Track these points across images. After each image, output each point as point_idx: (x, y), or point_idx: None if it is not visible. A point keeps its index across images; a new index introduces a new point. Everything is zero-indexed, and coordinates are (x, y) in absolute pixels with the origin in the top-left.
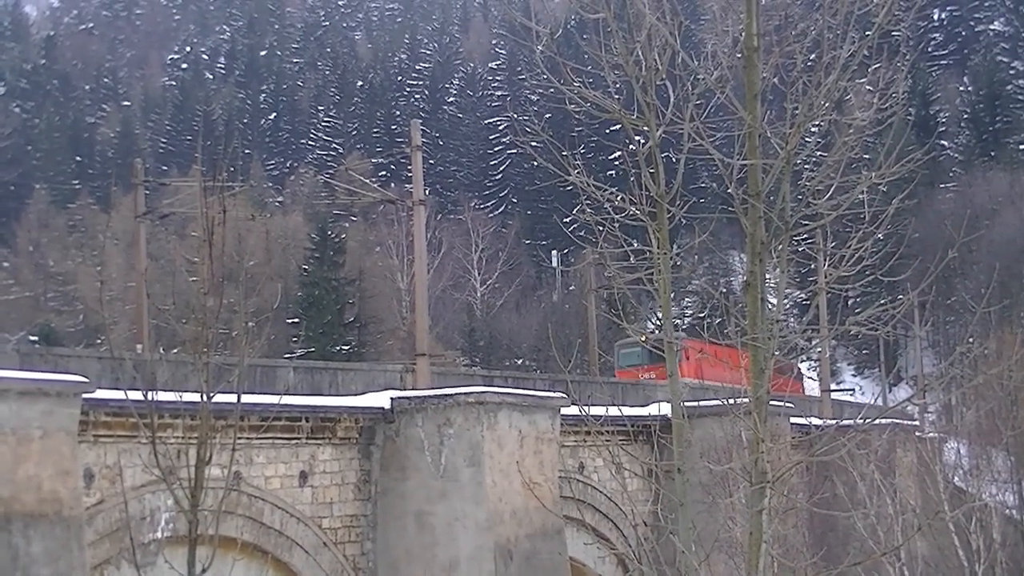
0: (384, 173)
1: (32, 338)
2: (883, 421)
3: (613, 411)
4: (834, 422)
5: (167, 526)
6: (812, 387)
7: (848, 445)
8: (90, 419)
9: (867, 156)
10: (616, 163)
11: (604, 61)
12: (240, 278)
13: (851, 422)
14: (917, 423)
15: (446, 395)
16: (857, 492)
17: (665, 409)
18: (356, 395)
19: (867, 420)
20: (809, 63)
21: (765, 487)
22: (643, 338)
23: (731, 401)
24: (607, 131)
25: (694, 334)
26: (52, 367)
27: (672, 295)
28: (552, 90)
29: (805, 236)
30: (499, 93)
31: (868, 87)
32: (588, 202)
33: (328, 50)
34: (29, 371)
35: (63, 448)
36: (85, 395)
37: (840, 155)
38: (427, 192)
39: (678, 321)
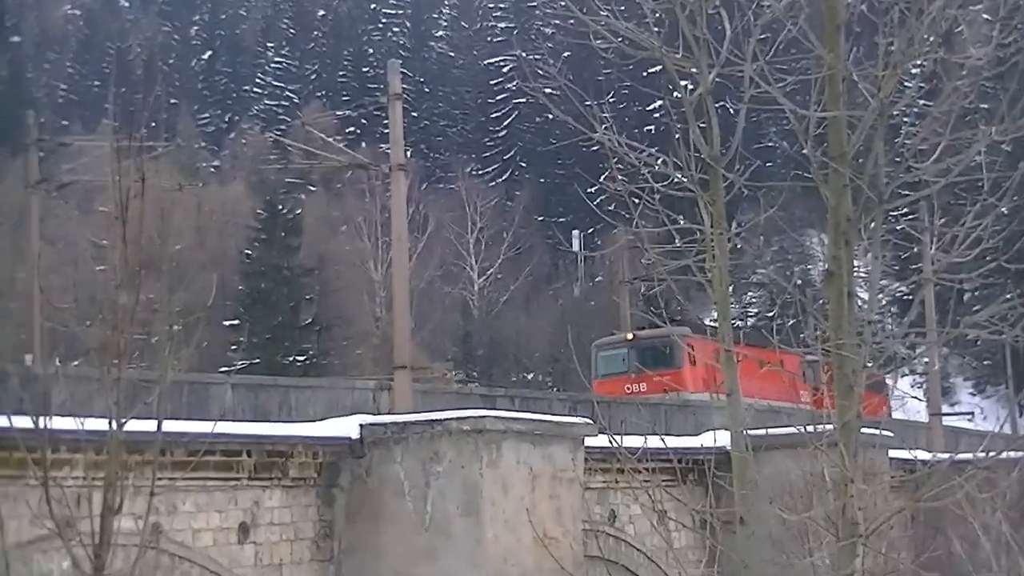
0: (353, 130)
1: None
2: (1013, 455)
3: (654, 441)
4: (947, 456)
5: None
6: (917, 409)
7: (966, 487)
8: None
9: (985, 106)
10: (656, 116)
11: None
12: (163, 267)
13: (970, 456)
14: None
15: (433, 421)
16: (979, 549)
17: (723, 439)
18: (315, 421)
19: (991, 453)
20: None
21: (856, 543)
22: (629, 336)
23: (810, 428)
24: (644, 74)
25: (754, 338)
26: None
27: (731, 287)
28: (572, 21)
29: (905, 211)
30: (503, 26)
31: (985, 16)
32: (619, 167)
33: None
34: None
35: None
36: None
37: (950, 105)
38: (409, 154)
39: (738, 323)
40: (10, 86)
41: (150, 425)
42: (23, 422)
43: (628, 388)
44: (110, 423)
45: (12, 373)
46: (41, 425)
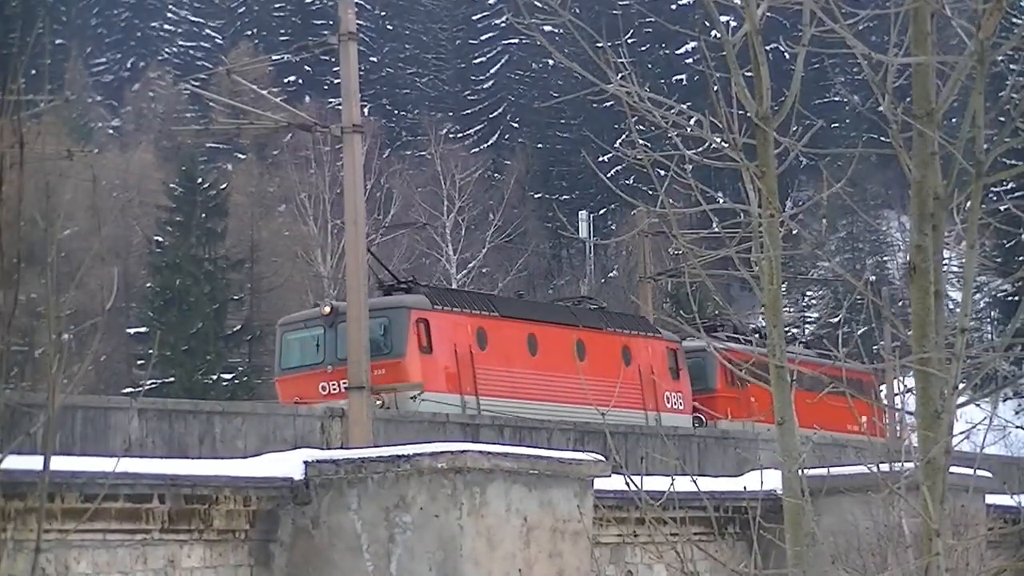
0: (293, 79)
1: None
2: None
3: (684, 484)
4: None
5: None
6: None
7: None
8: None
9: None
10: (689, 62)
11: None
12: (49, 258)
13: None
14: None
15: (399, 457)
16: None
17: (772, 480)
18: (246, 457)
19: None
20: None
21: None
22: (327, 309)
23: (884, 467)
24: (673, 7)
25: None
26: None
27: (784, 285)
28: None
29: (1011, 185)
30: None
31: None
32: (640, 129)
33: None
34: None
35: None
36: None
37: None
38: (367, 112)
39: (793, 330)
40: None
41: (34, 462)
42: None
43: (323, 388)
44: None
45: None
46: None
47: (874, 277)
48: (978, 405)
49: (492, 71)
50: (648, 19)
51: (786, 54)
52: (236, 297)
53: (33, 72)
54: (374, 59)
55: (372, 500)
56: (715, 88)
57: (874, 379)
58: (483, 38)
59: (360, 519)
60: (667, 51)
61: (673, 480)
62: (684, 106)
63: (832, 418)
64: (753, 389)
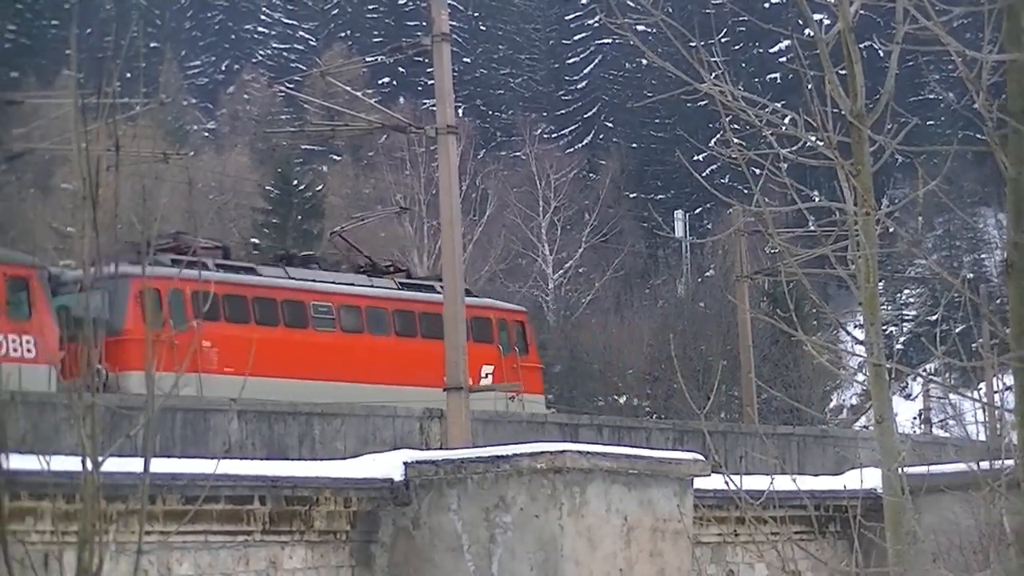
0: (388, 81)
1: None
2: None
3: (783, 483)
4: None
5: None
6: None
7: None
8: None
9: None
10: (782, 61)
11: None
12: (147, 261)
13: None
14: None
15: (499, 457)
16: None
17: (873, 479)
18: (346, 459)
19: None
20: None
21: None
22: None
23: (985, 464)
24: (766, 5)
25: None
26: None
27: (881, 283)
28: None
29: None
30: None
31: None
32: (734, 128)
33: None
34: None
35: None
36: None
37: None
38: (461, 113)
39: (892, 328)
40: None
41: (135, 465)
42: None
43: None
44: (83, 462)
45: None
46: None
47: (971, 275)
48: None
49: (586, 71)
50: (741, 18)
51: (880, 52)
52: None
53: (128, 76)
54: (467, 60)
55: (472, 500)
56: (809, 86)
57: (515, 317)
58: (576, 38)
59: (460, 519)
60: (760, 50)
61: (772, 479)
62: (778, 105)
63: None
64: (213, 331)
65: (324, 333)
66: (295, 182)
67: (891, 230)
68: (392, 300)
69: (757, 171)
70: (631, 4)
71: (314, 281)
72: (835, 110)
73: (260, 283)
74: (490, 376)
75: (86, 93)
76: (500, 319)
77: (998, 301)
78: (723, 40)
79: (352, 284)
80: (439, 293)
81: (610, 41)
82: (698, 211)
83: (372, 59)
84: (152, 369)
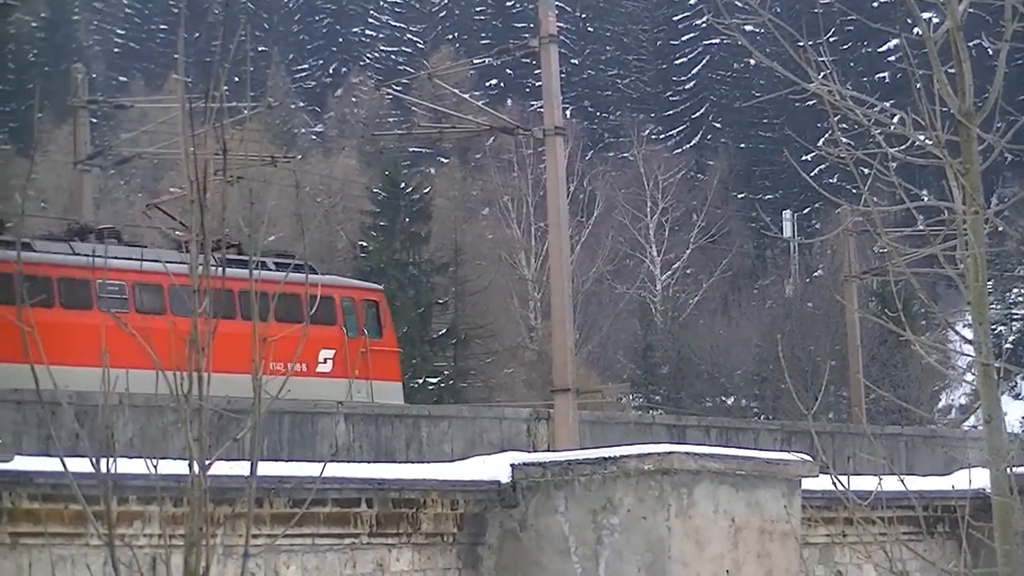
0: (495, 83)
1: None
2: None
3: (891, 483)
4: None
5: None
6: None
7: None
8: (4, 506)
9: None
10: (890, 60)
11: None
12: (254, 265)
13: None
14: None
15: (606, 459)
16: None
17: (981, 479)
18: (453, 461)
19: None
20: None
21: None
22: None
23: None
24: (874, 5)
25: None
26: None
27: (990, 282)
28: None
29: None
30: None
31: None
32: (843, 127)
33: None
34: None
35: None
36: None
37: None
38: (568, 114)
39: (999, 327)
40: (52, 32)
41: (242, 468)
42: (80, 466)
43: None
44: (190, 466)
45: (64, 403)
46: (103, 469)
47: None
48: None
49: (694, 71)
50: (849, 17)
51: (989, 50)
52: (441, 301)
53: (236, 79)
54: (575, 61)
55: (579, 502)
56: (918, 85)
57: (366, 296)
58: (684, 38)
59: (567, 521)
60: (869, 49)
61: (880, 480)
62: (886, 104)
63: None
64: None
65: (113, 315)
66: (402, 185)
67: (1000, 229)
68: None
69: (865, 170)
70: (739, 4)
71: (105, 257)
72: (943, 109)
73: (32, 260)
74: (330, 361)
75: (194, 97)
76: (346, 298)
77: None
78: (831, 39)
79: (157, 261)
80: (271, 270)
81: (718, 41)
82: (806, 211)
83: (480, 61)
84: (260, 372)
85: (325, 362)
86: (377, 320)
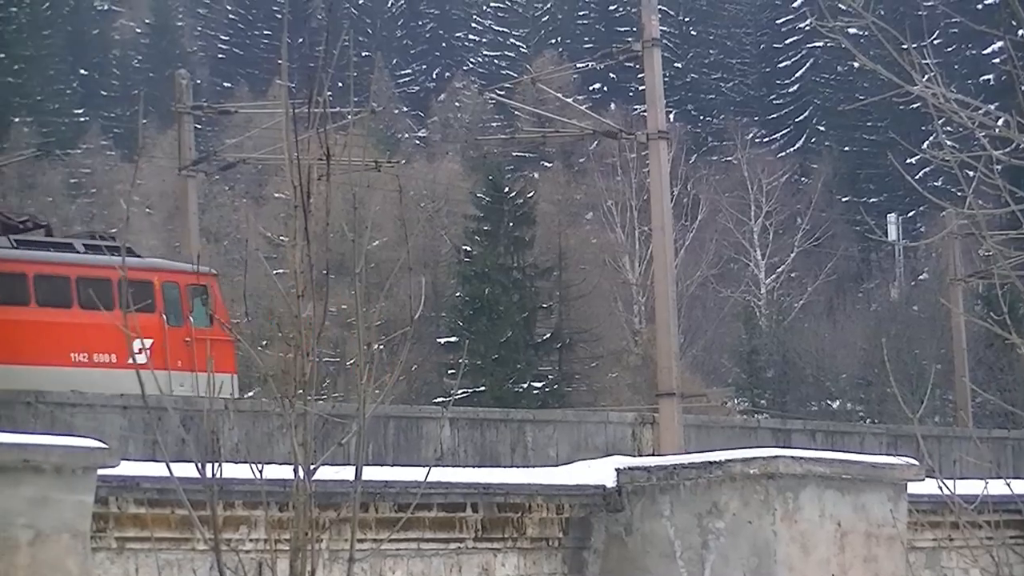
0: (599, 86)
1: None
2: None
3: (997, 487)
4: None
5: None
6: None
7: None
8: (111, 511)
9: None
10: (995, 62)
11: None
12: (358, 269)
13: None
14: None
15: (711, 463)
16: None
17: None
18: (558, 465)
19: None
20: None
21: None
22: None
23: None
24: (978, 7)
25: None
26: (47, 424)
27: None
28: None
29: None
30: None
31: None
32: (947, 130)
33: None
34: (7, 432)
35: (67, 560)
36: (102, 471)
37: None
38: (671, 118)
39: None
40: (156, 38)
41: (347, 472)
42: (185, 471)
43: None
44: (296, 471)
45: (170, 408)
46: (209, 474)
47: None
48: None
49: (797, 74)
50: (953, 19)
51: None
52: (545, 305)
53: (339, 85)
54: (678, 65)
55: (684, 507)
56: (1022, 87)
57: (191, 281)
58: (787, 42)
59: (673, 526)
60: (973, 51)
61: (987, 483)
62: (991, 106)
63: (75, 341)
64: None
65: None
66: (506, 189)
67: None
68: None
69: (970, 173)
70: (842, 7)
71: None
72: None
73: None
74: (146, 352)
75: (298, 103)
76: (169, 283)
77: None
78: (935, 41)
79: None
80: (80, 253)
81: (821, 44)
82: (911, 214)
83: (583, 65)
84: (366, 378)
85: (140, 352)
86: (205, 307)
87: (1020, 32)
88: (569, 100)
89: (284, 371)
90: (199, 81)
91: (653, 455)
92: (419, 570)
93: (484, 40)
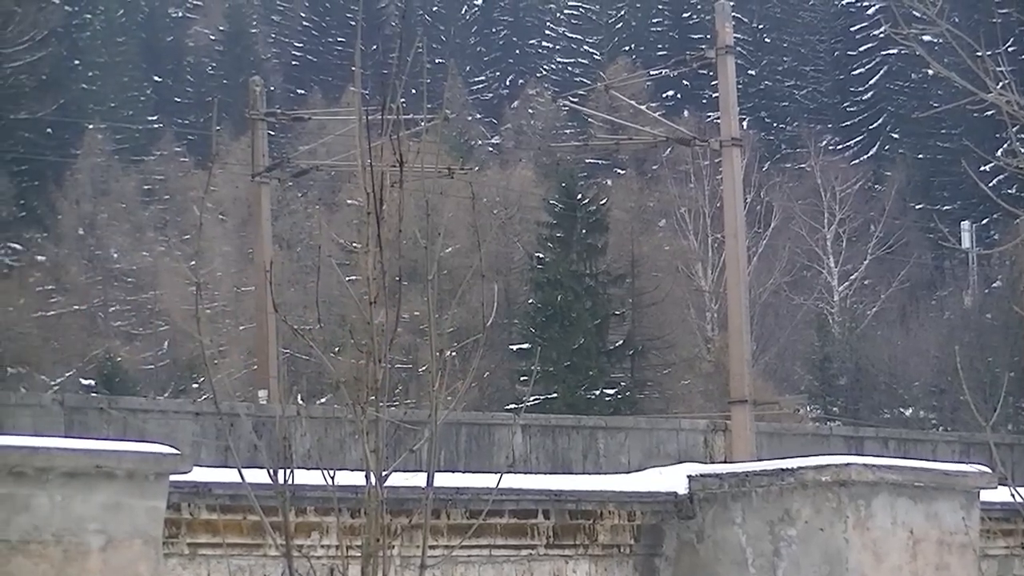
0: (671, 94)
1: (86, 381)
2: None
3: None
4: None
5: None
6: None
7: None
8: (183, 517)
9: None
10: None
11: None
12: (430, 276)
13: None
14: None
15: (784, 470)
16: None
17: None
18: (630, 472)
19: None
20: None
21: None
22: None
23: None
24: None
25: None
26: (119, 430)
27: None
28: None
29: None
30: None
31: None
32: (1021, 137)
33: None
34: (80, 438)
35: (139, 566)
36: (175, 477)
37: None
38: (745, 125)
39: None
40: (230, 45)
41: (419, 479)
42: (257, 477)
43: None
44: (367, 477)
45: (242, 414)
46: (281, 480)
47: None
48: None
49: (871, 82)
50: None
51: None
52: (617, 312)
53: (413, 91)
54: (752, 72)
55: (756, 514)
56: None
57: None
58: (862, 49)
59: (744, 533)
60: None
61: None
62: None
63: None
64: None
65: None
66: (579, 196)
67: None
68: None
69: None
70: (917, 14)
71: None
72: None
73: None
74: None
75: (371, 109)
76: None
77: None
78: (1010, 49)
79: None
80: None
81: (896, 52)
82: (985, 222)
83: (656, 72)
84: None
85: None
86: None
87: None
88: (642, 107)
89: (356, 378)
90: (272, 88)
91: (725, 462)
92: None
93: (557, 47)
